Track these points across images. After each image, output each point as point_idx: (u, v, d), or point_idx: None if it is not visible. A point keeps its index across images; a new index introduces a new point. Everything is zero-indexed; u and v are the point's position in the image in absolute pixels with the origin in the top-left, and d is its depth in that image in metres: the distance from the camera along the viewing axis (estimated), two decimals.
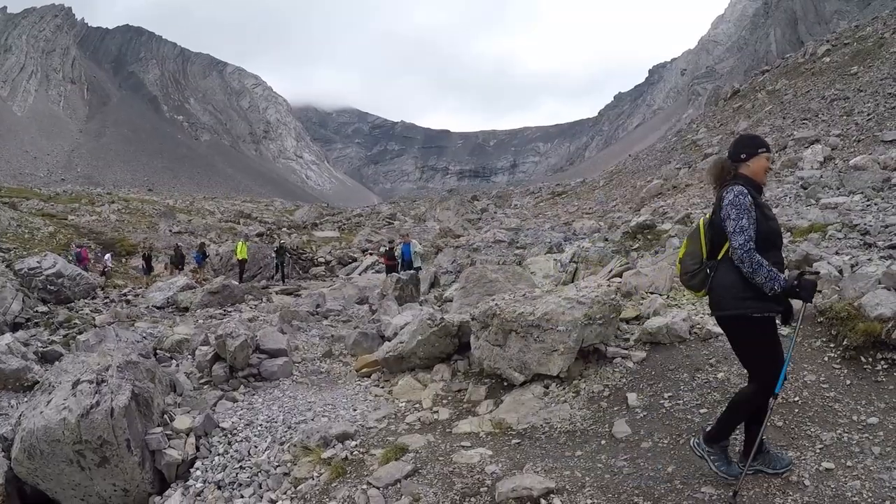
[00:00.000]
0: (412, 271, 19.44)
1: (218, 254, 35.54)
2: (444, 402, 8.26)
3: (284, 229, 52.39)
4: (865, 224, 12.13)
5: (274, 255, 33.30)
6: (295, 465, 7.10)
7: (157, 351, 12.65)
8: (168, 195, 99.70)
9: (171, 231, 47.00)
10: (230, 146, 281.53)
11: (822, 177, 22.03)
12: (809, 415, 6.18)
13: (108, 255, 32.79)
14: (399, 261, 21.70)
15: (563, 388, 7.46)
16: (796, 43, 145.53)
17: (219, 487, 7.15)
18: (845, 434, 5.80)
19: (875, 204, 14.77)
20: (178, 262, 31.74)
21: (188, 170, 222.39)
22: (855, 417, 6.01)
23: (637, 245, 17.83)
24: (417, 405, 8.29)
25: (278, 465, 7.25)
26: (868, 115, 29.61)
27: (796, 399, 6.43)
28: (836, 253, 10.42)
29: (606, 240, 21.31)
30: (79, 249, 32.32)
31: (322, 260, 37.69)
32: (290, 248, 36.44)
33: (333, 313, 16.94)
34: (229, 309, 18.43)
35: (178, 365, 11.59)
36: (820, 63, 42.95)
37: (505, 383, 7.91)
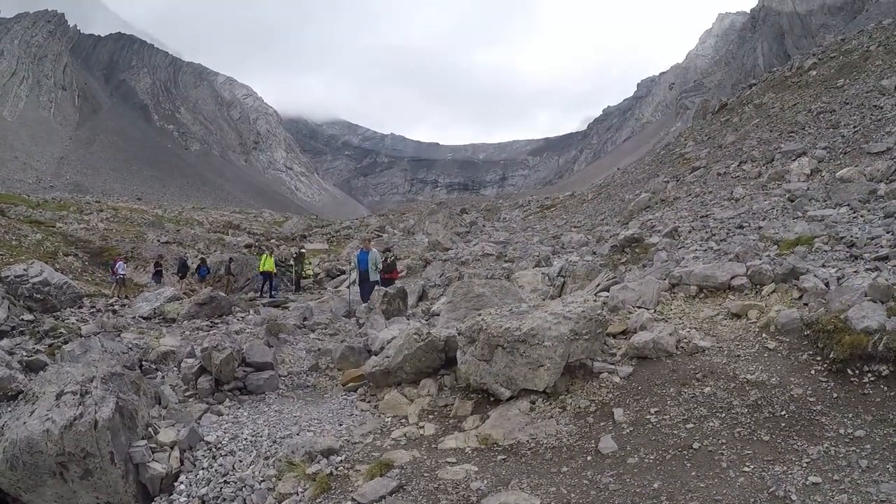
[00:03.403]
0: (375, 284, 19.23)
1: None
2: (431, 417, 8.24)
3: (273, 241, 52.23)
4: (852, 236, 12.17)
5: (293, 262, 32.92)
6: (279, 480, 7.08)
7: (143, 362, 12.52)
8: (157, 204, 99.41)
9: (159, 241, 46.77)
10: (220, 156, 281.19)
11: (808, 189, 22.12)
12: (796, 429, 6.20)
13: (120, 263, 32.18)
14: (356, 271, 20.76)
15: (550, 404, 7.45)
16: (783, 56, 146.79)
17: (203, 502, 7.11)
18: (832, 447, 5.83)
19: (861, 216, 14.81)
20: (183, 273, 31.40)
21: (177, 179, 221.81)
22: (842, 430, 6.04)
23: (625, 259, 17.85)
24: (403, 420, 8.27)
25: (263, 480, 7.23)
26: (854, 127, 29.78)
27: (783, 413, 6.45)
28: (823, 265, 10.44)
29: (594, 253, 21.30)
30: (117, 261, 32.10)
31: (310, 272, 37.56)
32: (281, 260, 36.19)
33: (320, 326, 16.82)
34: (216, 321, 18.33)
35: (163, 377, 11.47)
36: (806, 76, 43.23)
37: (491, 398, 7.90)
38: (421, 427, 7.84)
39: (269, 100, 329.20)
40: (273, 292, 29.77)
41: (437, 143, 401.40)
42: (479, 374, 7.98)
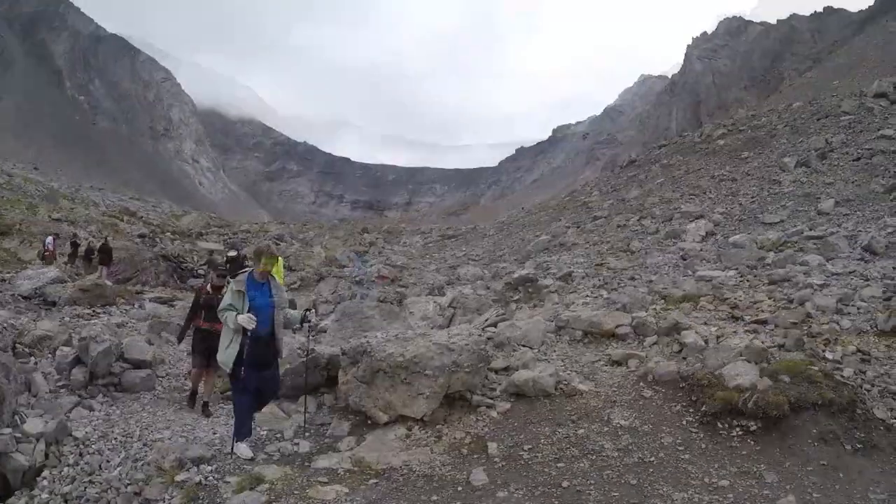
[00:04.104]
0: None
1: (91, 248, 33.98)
2: (307, 434, 8.19)
3: (168, 234, 50.85)
4: (736, 298, 12.66)
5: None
6: (147, 485, 6.90)
7: (17, 345, 12.04)
8: (54, 177, 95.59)
9: (50, 217, 44.96)
10: (127, 138, 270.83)
11: (702, 250, 22.86)
12: (664, 475, 6.46)
13: (49, 238, 31.02)
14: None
15: (426, 432, 7.53)
16: (696, 123, 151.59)
17: (66, 501, 6.86)
18: (696, 495, 6.10)
19: (747, 280, 15.38)
20: (106, 260, 29.55)
21: (80, 154, 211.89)
22: (707, 480, 6.33)
23: (517, 297, 18.07)
24: (279, 435, 8.20)
25: (129, 484, 7.02)
26: (752, 197, 31.04)
27: (652, 459, 6.72)
28: (705, 323, 10.85)
29: (488, 288, 21.52)
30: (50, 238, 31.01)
31: (202, 272, 36.58)
32: (173, 255, 35.20)
33: None
34: (99, 310, 17.78)
35: (36, 363, 10.99)
36: (714, 145, 44.79)
37: (369, 421, 7.91)
38: (296, 444, 7.79)
39: (188, 87, 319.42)
40: None
41: (349, 159, 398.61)
42: (358, 396, 8.00)
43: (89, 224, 46.63)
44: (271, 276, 8.10)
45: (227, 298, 7.83)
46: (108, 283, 21.35)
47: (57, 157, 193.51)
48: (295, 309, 10.13)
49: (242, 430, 7.81)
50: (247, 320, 7.43)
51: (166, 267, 32.75)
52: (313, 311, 8.80)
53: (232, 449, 7.63)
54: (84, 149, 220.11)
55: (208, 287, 10.64)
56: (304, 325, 8.56)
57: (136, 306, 19.25)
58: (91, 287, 18.89)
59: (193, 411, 9.71)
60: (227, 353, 7.65)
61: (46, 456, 7.52)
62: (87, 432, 8.24)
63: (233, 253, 18.95)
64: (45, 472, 7.29)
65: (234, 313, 7.58)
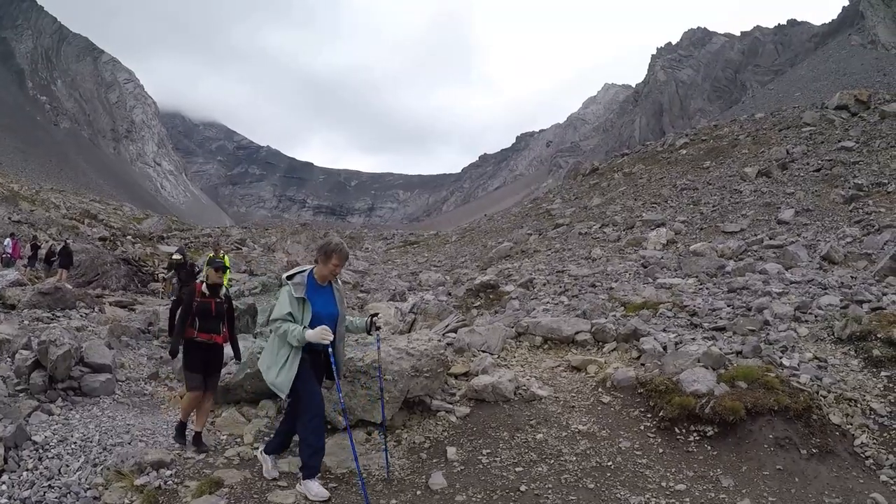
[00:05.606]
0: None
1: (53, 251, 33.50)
2: (267, 438, 8.16)
3: (129, 237, 50.22)
4: (695, 306, 12.83)
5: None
6: (106, 489, 6.83)
7: None
8: (14, 179, 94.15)
9: (10, 219, 44.26)
10: (89, 139, 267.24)
11: (662, 258, 23.12)
12: (621, 479, 6.55)
13: (7, 240, 30.29)
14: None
15: (386, 437, 7.55)
16: (658, 132, 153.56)
17: None
18: (653, 499, 6.20)
19: (707, 288, 15.58)
20: (66, 263, 28.94)
21: (41, 155, 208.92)
22: (664, 484, 6.43)
23: (479, 303, 18.18)
24: (239, 439, 8.16)
25: (89, 488, 6.94)
26: (713, 206, 31.50)
27: (609, 464, 6.81)
28: (664, 330, 11.01)
29: (450, 294, 21.62)
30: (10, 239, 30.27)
31: (162, 276, 36.16)
32: (134, 259, 34.66)
33: (166, 333, 16.33)
34: (58, 314, 17.58)
35: None
36: (677, 154, 45.37)
37: (329, 426, 7.91)
38: (256, 448, 7.74)
39: (151, 88, 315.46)
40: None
41: (312, 163, 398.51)
42: None
43: (50, 226, 45.98)
44: (335, 279, 6.90)
45: (282, 306, 6.51)
46: (68, 286, 21.05)
47: (18, 157, 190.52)
48: None
49: (314, 464, 6.51)
50: (321, 334, 6.26)
51: (127, 271, 32.27)
52: (379, 316, 7.26)
53: (306, 494, 6.41)
54: (46, 151, 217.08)
55: (204, 287, 8.49)
56: (375, 332, 7.03)
57: (95, 310, 19.06)
58: (51, 290, 18.66)
59: (185, 447, 8.02)
60: (284, 374, 6.44)
61: (5, 461, 7.40)
62: (46, 437, 8.14)
63: (178, 256, 18.39)
64: (4, 477, 7.18)
65: (300, 327, 6.35)
